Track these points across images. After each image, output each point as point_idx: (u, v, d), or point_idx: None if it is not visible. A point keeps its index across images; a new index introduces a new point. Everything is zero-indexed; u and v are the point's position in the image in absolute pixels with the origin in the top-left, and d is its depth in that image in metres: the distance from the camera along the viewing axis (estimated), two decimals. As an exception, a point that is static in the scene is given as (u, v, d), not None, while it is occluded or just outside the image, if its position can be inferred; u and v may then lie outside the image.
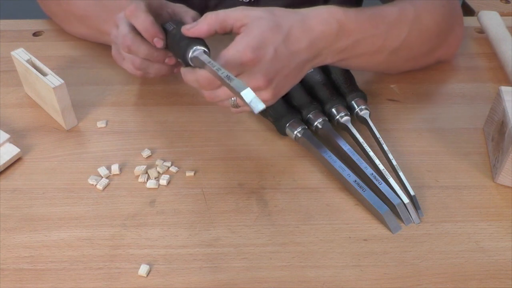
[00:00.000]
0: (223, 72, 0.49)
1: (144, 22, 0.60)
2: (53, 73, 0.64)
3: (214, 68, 0.50)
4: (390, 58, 0.66)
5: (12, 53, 0.67)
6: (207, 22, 0.56)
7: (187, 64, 0.57)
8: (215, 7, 0.91)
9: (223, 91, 0.56)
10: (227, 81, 0.48)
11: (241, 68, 0.54)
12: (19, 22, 0.87)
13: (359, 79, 0.70)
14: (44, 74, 0.64)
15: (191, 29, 0.57)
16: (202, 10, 0.90)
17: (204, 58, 0.53)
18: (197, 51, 0.56)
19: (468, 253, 0.53)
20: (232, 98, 0.57)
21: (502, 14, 0.84)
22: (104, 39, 0.76)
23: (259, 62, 0.54)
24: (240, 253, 0.53)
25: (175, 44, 0.59)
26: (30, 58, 0.66)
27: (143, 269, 0.51)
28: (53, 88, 0.62)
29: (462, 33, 0.75)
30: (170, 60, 0.64)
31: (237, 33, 0.57)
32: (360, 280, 0.51)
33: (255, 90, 0.55)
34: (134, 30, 0.62)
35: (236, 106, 0.58)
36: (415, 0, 0.67)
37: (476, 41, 0.83)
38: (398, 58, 0.68)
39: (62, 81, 0.63)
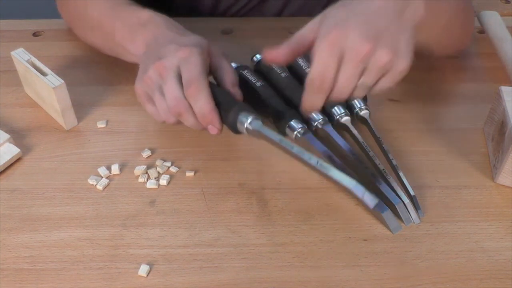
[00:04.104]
0: (311, 158, 0.46)
1: (204, 106, 0.55)
2: (53, 73, 0.64)
3: (305, 157, 0.46)
4: (443, 33, 0.65)
5: (12, 53, 0.67)
6: (288, 45, 0.54)
7: (234, 130, 0.56)
8: (225, 10, 0.90)
9: None
10: (324, 171, 0.44)
11: (363, 63, 0.51)
12: (19, 22, 0.87)
13: (359, 79, 0.70)
14: (44, 74, 0.64)
15: (272, 52, 0.54)
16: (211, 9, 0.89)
17: (278, 139, 0.50)
18: (254, 122, 0.54)
19: (468, 253, 0.53)
20: None
21: (502, 14, 0.84)
22: (118, 51, 0.69)
23: (346, 37, 0.50)
24: (240, 253, 0.53)
25: (220, 108, 0.56)
26: (30, 58, 0.66)
27: (143, 269, 0.51)
28: (53, 88, 0.62)
29: (472, 31, 0.76)
30: (212, 129, 0.57)
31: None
32: (360, 280, 0.51)
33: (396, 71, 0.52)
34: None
35: None
36: None
37: (476, 41, 0.83)
38: (448, 35, 0.67)
39: (62, 81, 0.63)
